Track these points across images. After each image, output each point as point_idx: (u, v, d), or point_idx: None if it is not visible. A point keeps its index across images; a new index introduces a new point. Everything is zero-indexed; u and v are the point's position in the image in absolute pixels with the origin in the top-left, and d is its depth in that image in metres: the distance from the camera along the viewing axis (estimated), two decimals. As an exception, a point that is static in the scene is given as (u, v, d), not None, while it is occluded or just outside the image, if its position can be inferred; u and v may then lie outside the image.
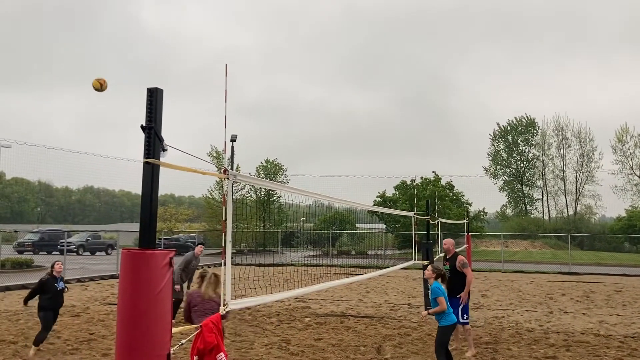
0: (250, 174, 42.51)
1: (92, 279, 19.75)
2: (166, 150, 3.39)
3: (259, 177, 46.04)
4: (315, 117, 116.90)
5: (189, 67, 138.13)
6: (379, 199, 44.95)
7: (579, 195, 64.81)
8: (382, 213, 42.32)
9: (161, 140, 3.36)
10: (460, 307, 8.30)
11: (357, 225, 54.66)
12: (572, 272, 24.61)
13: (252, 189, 47.00)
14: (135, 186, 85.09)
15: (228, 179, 4.34)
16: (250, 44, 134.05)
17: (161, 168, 3.42)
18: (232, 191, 4.71)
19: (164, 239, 35.88)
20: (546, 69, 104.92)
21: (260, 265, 24.06)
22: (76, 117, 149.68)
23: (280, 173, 50.66)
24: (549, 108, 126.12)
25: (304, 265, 25.99)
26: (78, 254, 36.35)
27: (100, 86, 5.82)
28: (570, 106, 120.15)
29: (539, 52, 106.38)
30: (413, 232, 13.87)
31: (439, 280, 6.79)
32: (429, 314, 6.81)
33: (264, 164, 50.69)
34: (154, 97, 3.38)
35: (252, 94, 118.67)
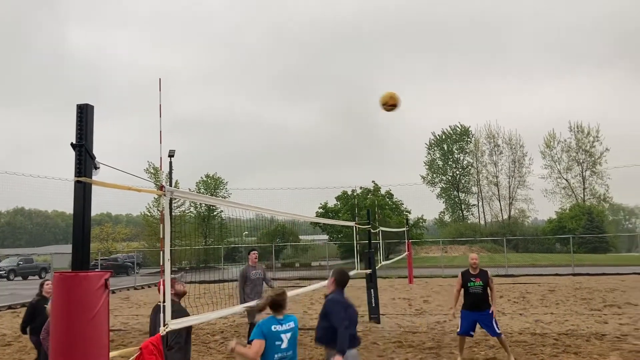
0: (190, 189, 41.73)
1: (24, 305, 18.76)
2: (98, 168, 3.29)
3: (199, 192, 45.32)
4: (253, 132, 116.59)
5: (121, 87, 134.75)
6: (321, 210, 45.21)
7: (512, 199, 67.47)
8: (324, 224, 42.55)
9: (92, 157, 3.26)
10: (494, 320, 8.23)
11: (300, 237, 54.67)
12: (509, 274, 25.49)
13: (193, 205, 46.20)
14: (69, 206, 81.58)
15: (165, 195, 4.25)
16: (183, 64, 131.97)
17: (95, 187, 3.31)
18: (170, 208, 4.61)
19: (101, 259, 34.62)
20: (471, 80, 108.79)
21: (202, 282, 23.57)
22: (3, 139, 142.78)
23: (221, 187, 50.11)
24: (479, 117, 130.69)
25: (248, 279, 25.66)
26: (9, 279, 34.59)
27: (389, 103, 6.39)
28: (499, 115, 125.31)
29: (465, 63, 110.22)
30: (355, 242, 13.99)
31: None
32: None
33: (204, 179, 49.99)
34: (84, 114, 3.28)
35: (189, 111, 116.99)
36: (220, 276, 28.35)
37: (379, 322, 12.12)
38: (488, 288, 8.29)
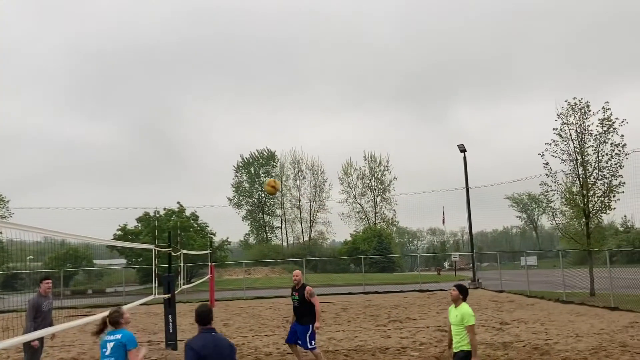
0: (-40, 207, 36.48)
1: None
2: None
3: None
4: (42, 147, 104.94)
5: None
6: (119, 232, 42.49)
7: (313, 222, 70.96)
8: (122, 247, 40.10)
9: None
10: (308, 334, 8.59)
11: (95, 261, 50.76)
12: (307, 294, 26.53)
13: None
14: None
15: None
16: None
17: None
18: None
19: None
20: (276, 106, 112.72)
21: (-29, 314, 20.58)
22: None
23: (1, 206, 44.46)
24: (285, 143, 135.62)
25: (29, 309, 22.97)
26: None
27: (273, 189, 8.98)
28: (303, 141, 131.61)
29: (268, 89, 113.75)
30: (153, 266, 13.37)
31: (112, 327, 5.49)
32: None
33: (-21, 196, 43.98)
34: None
35: None
36: (-6, 307, 25.00)
37: (176, 349, 11.68)
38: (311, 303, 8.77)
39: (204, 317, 4.66)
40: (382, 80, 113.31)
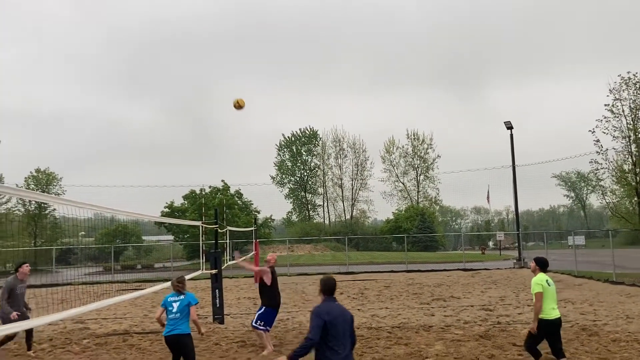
0: (17, 185, 37.96)
1: None
2: None
3: (28, 188, 41.31)
4: (92, 128, 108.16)
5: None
6: (166, 209, 43.62)
7: (355, 200, 71.00)
8: (170, 224, 41.16)
9: None
10: (259, 312, 8.90)
11: (144, 237, 52.33)
12: (349, 271, 26.75)
13: (20, 202, 42.02)
14: None
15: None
16: (14, 57, 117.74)
17: None
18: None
19: None
20: (314, 86, 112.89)
21: (30, 287, 21.61)
22: None
23: (55, 183, 46.17)
24: (326, 121, 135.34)
25: (83, 283, 24.02)
26: None
27: (239, 105, 9.48)
28: (344, 120, 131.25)
29: (301, 71, 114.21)
30: (201, 242, 13.72)
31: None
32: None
33: (34, 174, 45.69)
34: None
35: (13, 103, 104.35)
36: (51, 280, 26.15)
37: (222, 323, 12.01)
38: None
39: (330, 287, 4.97)
40: (422, 59, 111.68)
